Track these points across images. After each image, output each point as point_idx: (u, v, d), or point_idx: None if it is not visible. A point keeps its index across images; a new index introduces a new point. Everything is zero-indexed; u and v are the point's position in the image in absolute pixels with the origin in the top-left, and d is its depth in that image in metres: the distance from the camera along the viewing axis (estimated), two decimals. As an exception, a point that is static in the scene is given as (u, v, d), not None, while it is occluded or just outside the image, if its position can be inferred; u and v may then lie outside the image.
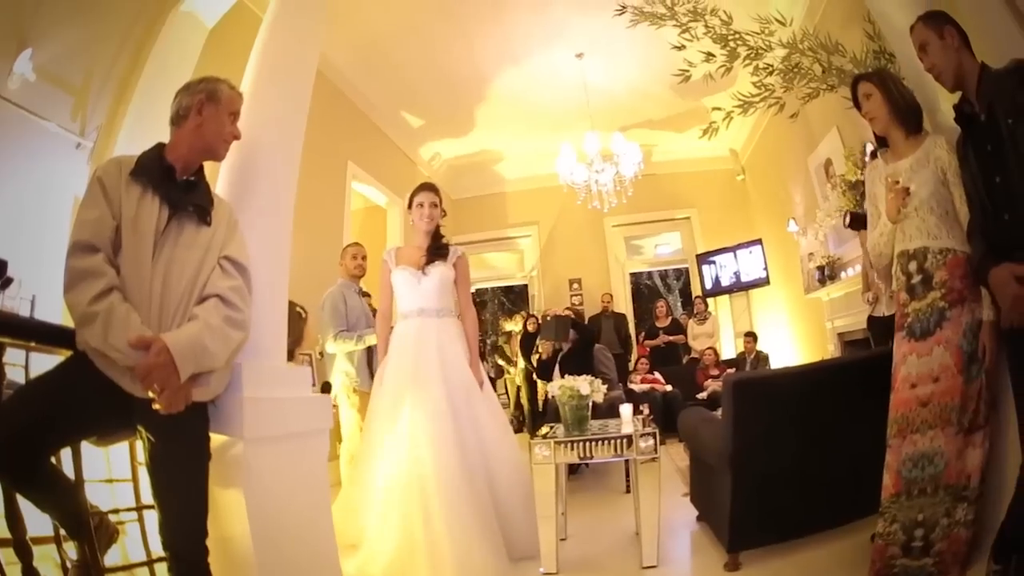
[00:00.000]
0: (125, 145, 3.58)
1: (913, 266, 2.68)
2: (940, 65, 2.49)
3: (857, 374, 3.49)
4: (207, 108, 2.41)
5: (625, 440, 3.49)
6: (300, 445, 2.78)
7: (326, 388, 4.90)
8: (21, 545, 2.16)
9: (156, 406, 2.06)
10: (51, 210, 3.48)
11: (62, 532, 2.33)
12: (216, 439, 2.42)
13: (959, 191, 2.57)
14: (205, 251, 2.31)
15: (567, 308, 8.76)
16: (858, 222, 4.26)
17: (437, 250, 4.05)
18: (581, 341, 7.01)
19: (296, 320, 3.58)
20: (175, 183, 2.30)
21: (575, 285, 11.24)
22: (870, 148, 2.96)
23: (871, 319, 4.88)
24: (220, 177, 2.90)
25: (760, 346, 9.03)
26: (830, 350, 7.58)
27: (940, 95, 2.80)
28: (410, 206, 4.15)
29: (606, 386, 4.09)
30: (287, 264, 3.00)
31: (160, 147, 2.37)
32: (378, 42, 7.10)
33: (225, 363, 2.30)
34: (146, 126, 3.01)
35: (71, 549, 2.34)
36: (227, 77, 2.75)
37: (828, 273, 7.32)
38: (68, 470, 2.30)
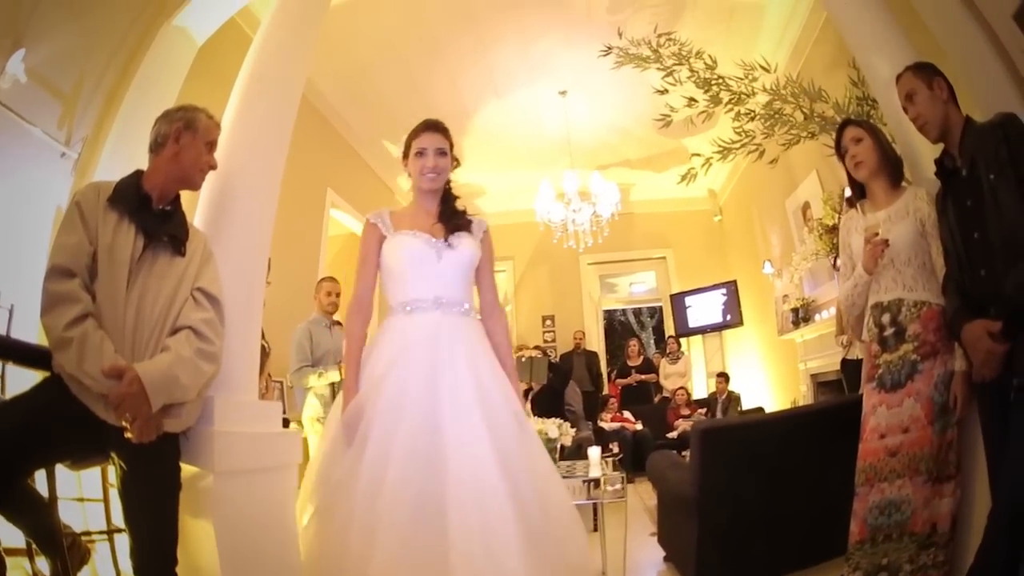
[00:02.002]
0: (108, 160, 3.55)
1: (886, 318, 2.68)
2: (926, 115, 2.51)
3: (825, 421, 3.54)
4: (184, 136, 2.42)
5: (593, 482, 3.52)
6: (269, 479, 2.80)
7: (286, 424, 4.89)
8: (-7, 556, 2.17)
9: (128, 435, 2.06)
10: (33, 218, 3.42)
11: (35, 548, 2.34)
12: (187, 469, 2.44)
13: (937, 244, 2.59)
14: (179, 282, 2.33)
15: (536, 347, 8.74)
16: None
17: (454, 216, 2.71)
18: (554, 381, 6.98)
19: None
20: (151, 212, 2.33)
21: (548, 322, 11.21)
22: (848, 193, 2.98)
23: (844, 362, 4.95)
24: (199, 208, 2.91)
25: (732, 386, 9.05)
26: (803, 391, 7.62)
27: (921, 147, 2.83)
28: (406, 155, 2.73)
29: (574, 430, 4.06)
30: (261, 300, 3.02)
31: (138, 174, 2.40)
32: (364, 71, 7.12)
33: (196, 395, 2.31)
34: (130, 142, 3.00)
35: (43, 561, 2.34)
36: (213, 94, 2.76)
37: (802, 315, 7.37)
38: (42, 488, 2.30)
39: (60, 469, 2.38)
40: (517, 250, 11.26)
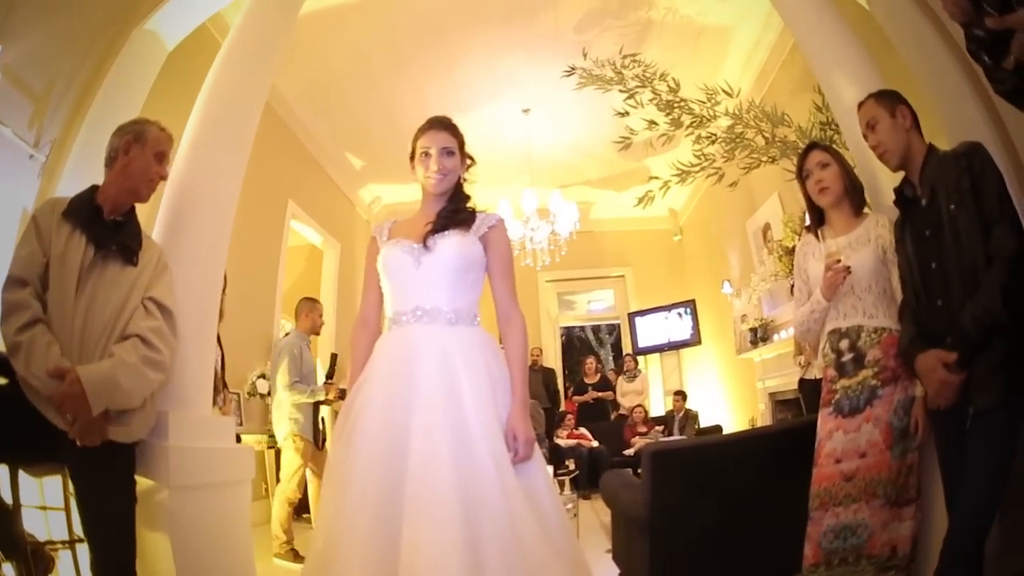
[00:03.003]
0: (75, 164, 3.48)
1: (844, 344, 2.67)
2: (887, 144, 2.50)
3: (779, 444, 3.51)
4: (133, 149, 2.48)
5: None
6: (223, 493, 2.86)
7: (238, 439, 4.89)
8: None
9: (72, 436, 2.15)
10: None
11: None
12: (143, 483, 2.49)
13: (896, 271, 2.60)
14: (130, 289, 2.38)
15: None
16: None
17: (454, 214, 2.43)
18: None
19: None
20: (103, 223, 2.40)
21: (505, 340, 11.17)
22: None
23: (802, 381, 4.98)
24: (157, 221, 2.94)
25: (691, 404, 9.10)
26: (761, 409, 7.69)
27: (881, 175, 2.83)
28: (412, 157, 2.48)
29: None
30: (216, 314, 3.06)
31: (93, 188, 2.48)
32: (329, 82, 7.09)
33: (143, 403, 2.37)
34: (96, 148, 2.92)
35: (8, 567, 2.35)
36: (181, 99, 2.76)
37: (761, 335, 7.43)
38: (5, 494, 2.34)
39: (24, 477, 2.40)
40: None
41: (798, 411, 5.86)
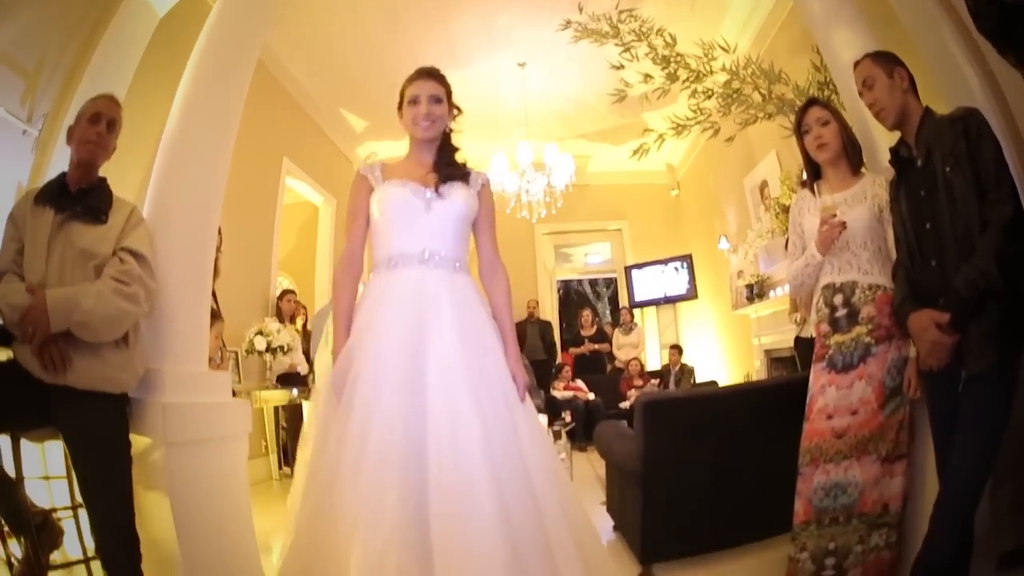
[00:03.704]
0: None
1: (839, 299, 2.66)
2: (883, 101, 2.47)
3: (771, 398, 3.55)
4: (74, 128, 2.57)
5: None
6: (220, 449, 2.87)
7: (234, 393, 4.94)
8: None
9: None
10: None
11: (6, 529, 2.43)
12: (139, 443, 2.50)
13: (892, 231, 2.59)
14: (100, 242, 2.45)
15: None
16: None
17: (455, 166, 2.55)
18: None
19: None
20: (69, 195, 2.48)
21: (502, 291, 11.16)
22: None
23: (798, 339, 4.96)
24: (151, 179, 2.95)
25: (686, 359, 9.12)
26: (756, 366, 7.73)
27: (878, 136, 2.82)
28: (400, 104, 2.56)
29: None
30: (210, 269, 3.05)
31: (63, 173, 2.58)
32: (323, 39, 7.01)
33: (122, 345, 2.43)
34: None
35: (16, 546, 2.42)
36: (172, 66, 2.79)
37: (757, 291, 7.45)
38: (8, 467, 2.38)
39: (27, 450, 2.47)
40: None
41: (793, 369, 5.86)
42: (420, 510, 2.00)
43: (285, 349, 6.14)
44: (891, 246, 2.60)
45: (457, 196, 2.45)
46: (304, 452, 2.55)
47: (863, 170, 2.81)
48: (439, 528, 1.98)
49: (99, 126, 2.54)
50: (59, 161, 2.57)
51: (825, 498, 2.61)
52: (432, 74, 2.53)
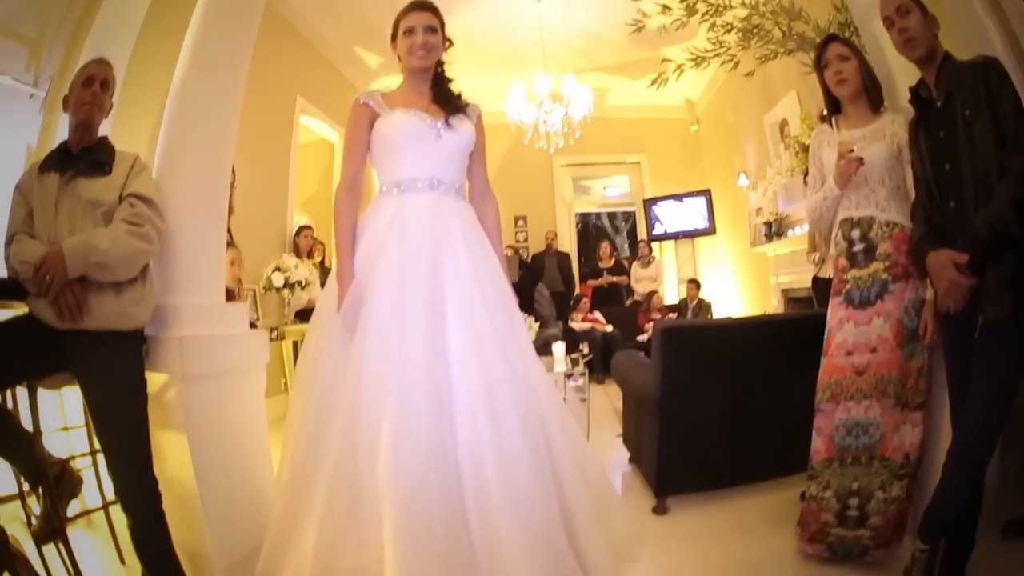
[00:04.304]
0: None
1: (856, 233, 2.67)
2: (916, 31, 2.40)
3: (790, 332, 3.54)
4: (69, 93, 2.59)
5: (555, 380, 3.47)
6: (237, 381, 2.89)
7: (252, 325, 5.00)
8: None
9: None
10: (3, 159, 3.42)
11: (25, 487, 2.48)
12: (155, 381, 2.52)
13: (910, 171, 2.57)
14: (105, 190, 2.48)
15: (508, 247, 8.76)
16: None
17: (451, 98, 2.68)
18: (525, 280, 7.04)
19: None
20: (70, 156, 2.51)
21: (520, 222, 11.15)
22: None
23: (816, 279, 4.95)
24: (163, 120, 2.93)
25: (703, 294, 9.10)
26: (773, 304, 7.72)
27: (898, 79, 2.78)
28: (394, 36, 2.67)
29: (539, 323, 4.03)
30: (225, 204, 3.06)
31: (64, 141, 2.60)
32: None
33: (137, 281, 2.46)
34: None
35: (35, 504, 2.45)
36: (176, 20, 2.77)
37: (775, 229, 7.40)
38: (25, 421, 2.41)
39: (44, 401, 2.49)
40: (489, 151, 11.08)
41: (811, 309, 5.87)
42: (450, 457, 2.16)
43: (303, 284, 6.15)
44: (910, 186, 2.59)
45: (465, 128, 2.61)
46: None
47: (883, 109, 2.78)
48: (470, 470, 2.17)
49: (93, 87, 2.56)
50: (67, 120, 2.58)
51: (847, 436, 2.64)
52: (426, 6, 2.63)
